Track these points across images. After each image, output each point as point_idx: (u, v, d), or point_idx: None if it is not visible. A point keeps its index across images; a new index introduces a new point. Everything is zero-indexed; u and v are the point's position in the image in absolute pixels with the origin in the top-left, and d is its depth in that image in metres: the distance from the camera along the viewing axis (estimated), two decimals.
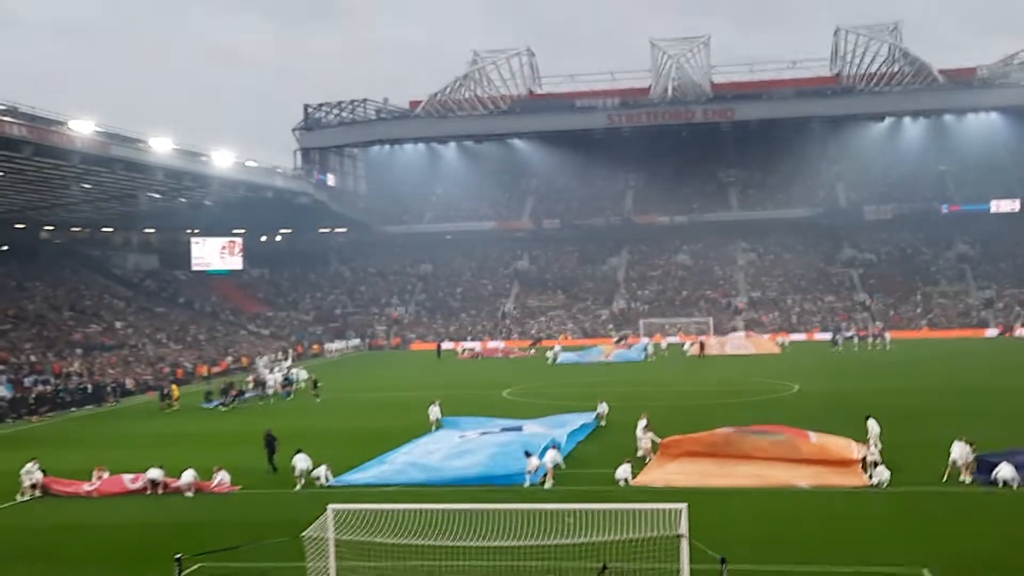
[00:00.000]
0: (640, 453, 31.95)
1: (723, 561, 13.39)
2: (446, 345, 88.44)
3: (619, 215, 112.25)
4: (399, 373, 70.66)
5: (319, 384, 56.69)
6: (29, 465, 30.93)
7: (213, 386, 59.04)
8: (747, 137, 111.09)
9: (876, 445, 30.17)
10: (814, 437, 31.09)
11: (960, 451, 28.11)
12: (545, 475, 29.33)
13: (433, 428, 39.83)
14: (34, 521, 27.90)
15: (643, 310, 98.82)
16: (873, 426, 31.47)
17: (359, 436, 39.43)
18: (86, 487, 30.80)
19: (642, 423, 33.09)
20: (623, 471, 28.94)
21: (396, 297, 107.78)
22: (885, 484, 27.49)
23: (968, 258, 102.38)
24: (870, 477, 28.09)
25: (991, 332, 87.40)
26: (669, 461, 31.07)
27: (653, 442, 32.27)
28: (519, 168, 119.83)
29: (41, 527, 27.17)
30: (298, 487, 30.01)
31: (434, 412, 40.83)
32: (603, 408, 40.76)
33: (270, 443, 33.17)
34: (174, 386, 56.76)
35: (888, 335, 79.29)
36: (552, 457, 30.25)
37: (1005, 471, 27.03)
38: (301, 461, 30.55)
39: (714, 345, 77.85)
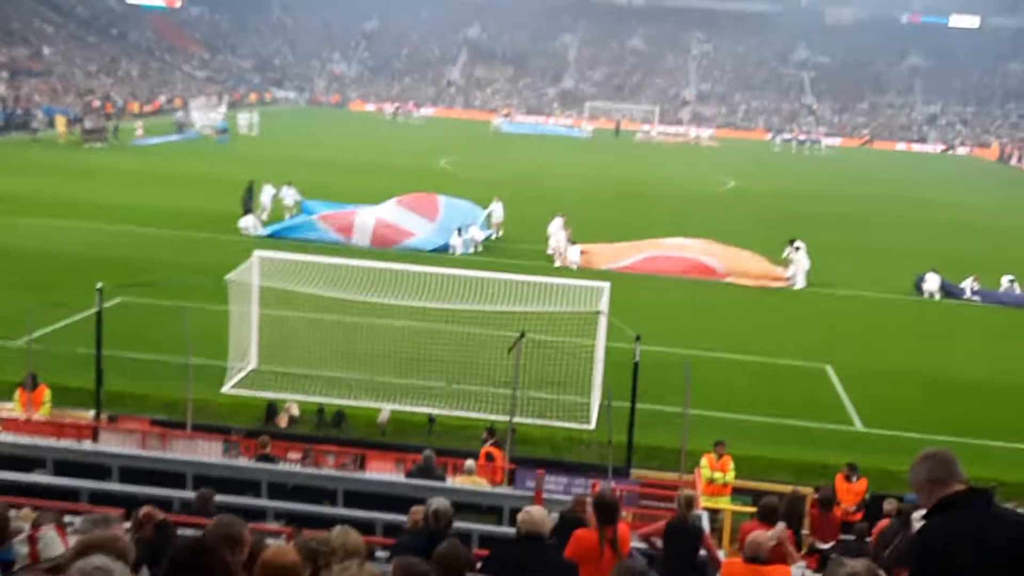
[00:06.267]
0: (550, 251, 30.20)
1: (637, 338, 13.74)
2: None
3: None
4: (343, 132, 68.62)
5: None
6: None
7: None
8: None
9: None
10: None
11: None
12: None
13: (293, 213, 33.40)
14: None
15: (591, 92, 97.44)
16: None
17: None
18: None
19: (558, 222, 30.77)
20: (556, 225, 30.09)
21: (339, 53, 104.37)
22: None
23: (920, 71, 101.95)
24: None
25: (929, 147, 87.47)
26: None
27: (570, 241, 30.07)
28: None
29: None
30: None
31: (290, 195, 34.16)
32: (497, 209, 33.73)
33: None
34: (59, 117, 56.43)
35: (824, 141, 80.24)
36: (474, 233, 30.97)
37: (931, 282, 27.81)
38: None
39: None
